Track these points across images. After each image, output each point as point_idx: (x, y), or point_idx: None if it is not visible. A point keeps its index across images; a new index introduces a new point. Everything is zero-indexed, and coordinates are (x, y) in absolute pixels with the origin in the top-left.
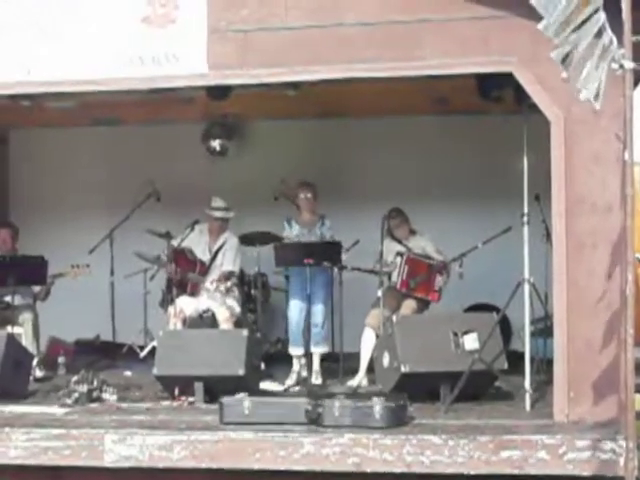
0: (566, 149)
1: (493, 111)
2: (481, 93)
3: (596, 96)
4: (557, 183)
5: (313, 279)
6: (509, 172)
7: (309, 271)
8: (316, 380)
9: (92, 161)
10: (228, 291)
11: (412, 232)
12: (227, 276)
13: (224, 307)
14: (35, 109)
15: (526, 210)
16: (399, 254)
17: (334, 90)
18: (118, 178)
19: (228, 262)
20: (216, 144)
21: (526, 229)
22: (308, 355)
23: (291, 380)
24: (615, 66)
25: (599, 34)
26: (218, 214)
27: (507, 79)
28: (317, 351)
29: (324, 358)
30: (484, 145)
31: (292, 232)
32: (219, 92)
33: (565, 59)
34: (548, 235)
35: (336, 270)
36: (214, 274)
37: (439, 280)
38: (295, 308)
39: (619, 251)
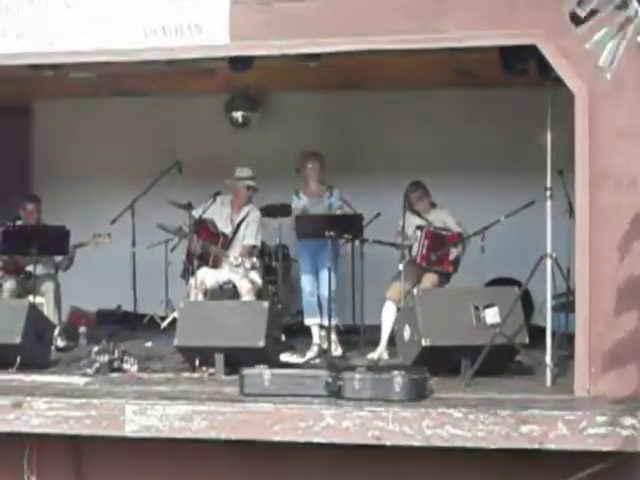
0: (590, 123)
1: (517, 84)
2: (505, 66)
3: (610, 65)
4: (581, 157)
5: (318, 251)
6: (532, 146)
7: (314, 244)
8: (336, 351)
9: (114, 132)
10: (253, 267)
11: (433, 205)
12: (250, 251)
13: (246, 279)
14: (58, 80)
15: (549, 184)
16: (419, 228)
17: (356, 62)
18: (140, 149)
19: (250, 236)
20: (238, 115)
21: (549, 203)
22: (325, 327)
23: (312, 352)
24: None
25: (624, 4)
26: (247, 183)
27: (531, 52)
28: (330, 323)
29: (345, 330)
30: (507, 119)
31: (300, 203)
32: (241, 63)
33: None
34: (571, 210)
35: (357, 243)
36: (236, 248)
37: (453, 251)
38: (307, 279)
39: None
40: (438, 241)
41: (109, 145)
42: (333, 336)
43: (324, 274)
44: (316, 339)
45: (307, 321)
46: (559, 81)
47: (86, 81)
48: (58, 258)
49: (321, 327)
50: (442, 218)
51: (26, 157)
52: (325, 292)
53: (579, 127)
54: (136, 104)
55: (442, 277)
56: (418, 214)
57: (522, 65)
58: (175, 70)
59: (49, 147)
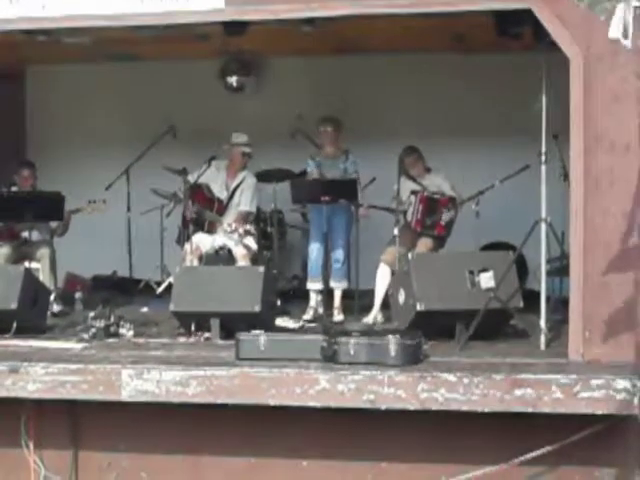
0: (585, 87)
1: (511, 49)
2: (499, 30)
3: (624, 35)
4: (576, 121)
5: (333, 215)
6: (527, 111)
7: (328, 208)
8: (338, 317)
9: (108, 97)
10: (246, 233)
11: (427, 170)
12: (245, 217)
13: (240, 245)
14: (51, 45)
15: (544, 149)
16: (413, 192)
17: (351, 26)
18: (134, 114)
19: (245, 202)
20: (233, 80)
21: (544, 168)
22: (325, 292)
23: (308, 315)
24: (636, 3)
25: None
26: (243, 149)
27: (526, 16)
28: (338, 286)
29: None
30: (502, 83)
31: (314, 167)
32: (236, 28)
33: None
34: (565, 174)
35: (352, 208)
36: (231, 213)
37: (445, 215)
38: (315, 244)
39: (637, 190)
40: (432, 206)
41: (103, 111)
42: (338, 302)
43: (339, 238)
44: (313, 302)
45: (309, 285)
46: (554, 45)
47: (80, 46)
48: (53, 224)
49: (320, 292)
50: (437, 183)
51: (20, 123)
52: (340, 256)
53: (574, 91)
54: (130, 69)
55: (437, 242)
56: (413, 179)
57: (517, 29)
58: (170, 35)
59: (43, 113)
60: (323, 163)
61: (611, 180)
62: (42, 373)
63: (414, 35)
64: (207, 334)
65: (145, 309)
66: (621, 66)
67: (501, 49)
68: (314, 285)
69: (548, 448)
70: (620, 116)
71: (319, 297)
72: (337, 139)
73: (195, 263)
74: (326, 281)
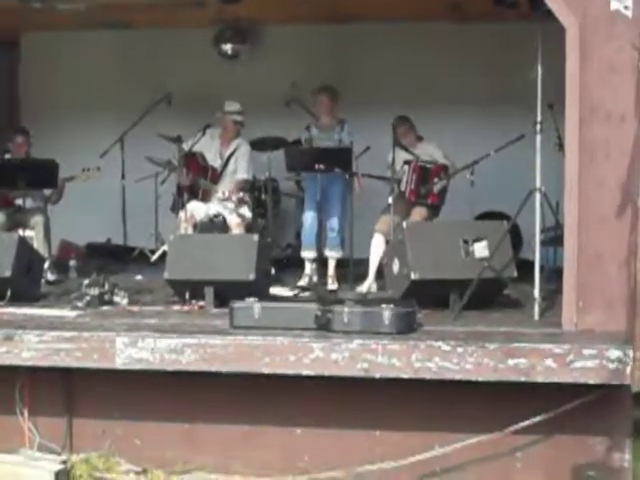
0: (581, 57)
1: (507, 18)
2: None
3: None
4: (571, 91)
5: (329, 184)
6: (523, 80)
7: (323, 177)
8: (332, 285)
9: (103, 65)
10: (241, 202)
11: (419, 139)
12: (242, 185)
13: (235, 213)
14: (46, 12)
15: (539, 118)
16: (406, 162)
17: None
18: (129, 82)
19: (242, 170)
20: (228, 48)
21: (539, 138)
22: (320, 260)
23: (303, 282)
24: None
25: None
26: (234, 117)
27: None
28: (332, 255)
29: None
30: (498, 53)
31: (306, 135)
32: None
33: None
34: (560, 144)
35: (346, 176)
36: (226, 181)
37: (438, 184)
38: (309, 212)
39: (632, 161)
40: (425, 175)
41: (98, 78)
42: (332, 270)
43: (334, 207)
44: (307, 270)
45: (303, 254)
46: (550, 15)
47: (74, 13)
48: (47, 192)
49: (314, 260)
50: (429, 151)
51: (14, 91)
52: (335, 225)
53: (570, 61)
54: (125, 36)
55: (431, 211)
56: (405, 148)
57: None
58: (165, 2)
59: (37, 80)
60: (319, 136)
61: (606, 151)
62: (36, 341)
63: (410, 3)
64: (201, 302)
65: (139, 277)
66: (618, 36)
67: (497, 18)
68: (308, 254)
69: (541, 417)
70: (616, 86)
71: (313, 265)
72: (333, 109)
73: (189, 231)
74: (320, 250)
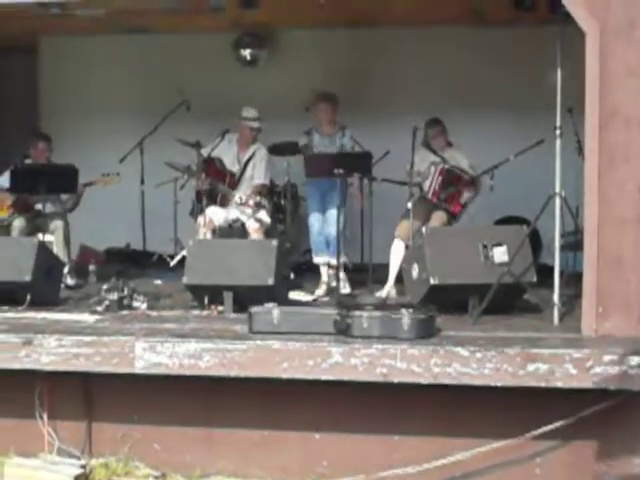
0: (601, 61)
1: (527, 22)
2: (515, 2)
3: None
4: (591, 96)
5: (329, 190)
6: (542, 85)
7: (325, 183)
8: (344, 289)
9: (122, 70)
10: (258, 206)
11: (449, 144)
12: (260, 190)
13: (253, 219)
14: (65, 17)
15: (559, 123)
16: (433, 164)
17: None
18: (148, 87)
19: (259, 175)
20: (247, 53)
21: (559, 142)
22: (333, 265)
23: (321, 290)
24: None
25: None
26: (251, 124)
27: None
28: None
29: (354, 269)
30: (518, 57)
31: (313, 142)
32: (250, 0)
33: None
34: (580, 149)
35: (366, 181)
36: (244, 186)
37: (465, 195)
38: (315, 218)
39: None
40: (451, 179)
41: (117, 83)
42: (342, 274)
43: (332, 212)
44: (324, 277)
45: (316, 259)
46: (569, 18)
47: (94, 19)
48: (65, 197)
49: (329, 266)
50: (457, 158)
51: (33, 96)
52: (333, 230)
53: (590, 65)
54: (144, 42)
55: (451, 216)
56: (433, 151)
57: (532, 1)
58: (184, 7)
59: (56, 85)
60: (321, 142)
61: (626, 155)
62: (55, 345)
63: (431, 8)
64: (220, 307)
65: (158, 282)
66: (638, 39)
67: (515, 22)
68: (320, 259)
69: (561, 423)
70: (636, 91)
71: (330, 270)
72: (334, 115)
73: (208, 236)
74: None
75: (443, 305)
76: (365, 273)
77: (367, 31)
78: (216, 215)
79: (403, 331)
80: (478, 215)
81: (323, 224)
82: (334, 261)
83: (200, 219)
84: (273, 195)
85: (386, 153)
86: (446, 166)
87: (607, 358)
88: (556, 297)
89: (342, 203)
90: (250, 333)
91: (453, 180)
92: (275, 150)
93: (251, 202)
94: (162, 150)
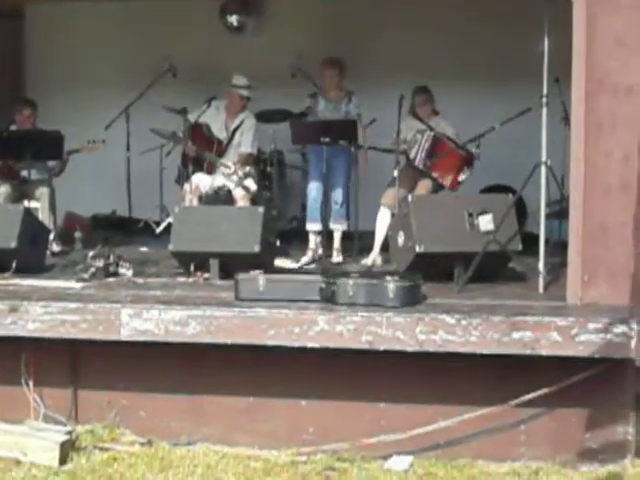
0: (588, 30)
1: None
2: None
3: None
4: (578, 64)
5: (333, 157)
6: (529, 53)
7: (328, 149)
8: (337, 258)
9: (108, 36)
10: (246, 174)
11: (435, 112)
12: (246, 159)
13: (240, 186)
14: None
15: (545, 91)
16: (420, 132)
17: None
18: (134, 54)
19: (246, 144)
20: (233, 19)
21: (545, 111)
22: (325, 233)
23: (307, 257)
24: None
25: None
26: (241, 92)
27: None
28: (337, 228)
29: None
30: (504, 26)
31: (317, 107)
32: None
33: None
34: (567, 118)
35: (352, 149)
36: (231, 154)
37: (466, 172)
38: (314, 185)
39: (638, 134)
40: (439, 147)
41: (103, 50)
42: (337, 243)
43: (339, 179)
44: (312, 244)
45: (308, 227)
46: None
47: None
48: (51, 163)
49: (319, 233)
50: (443, 126)
51: (19, 62)
52: (340, 197)
53: (577, 34)
54: (131, 8)
55: (437, 184)
56: (420, 119)
57: None
58: None
59: (42, 52)
60: (326, 107)
61: (613, 124)
62: (41, 312)
63: None
64: (206, 274)
65: (144, 249)
66: (625, 8)
67: None
68: (313, 226)
69: (545, 390)
70: (624, 59)
71: (318, 239)
72: (340, 81)
73: (195, 203)
74: (325, 222)
75: (429, 273)
76: (351, 240)
77: None
78: (202, 182)
79: (389, 299)
80: (464, 183)
81: (320, 192)
82: (331, 227)
83: (186, 186)
84: (259, 162)
85: (372, 121)
86: (432, 133)
87: (592, 326)
88: (541, 265)
89: (348, 169)
90: (236, 300)
91: (441, 148)
92: (263, 117)
93: (240, 172)
94: (148, 117)
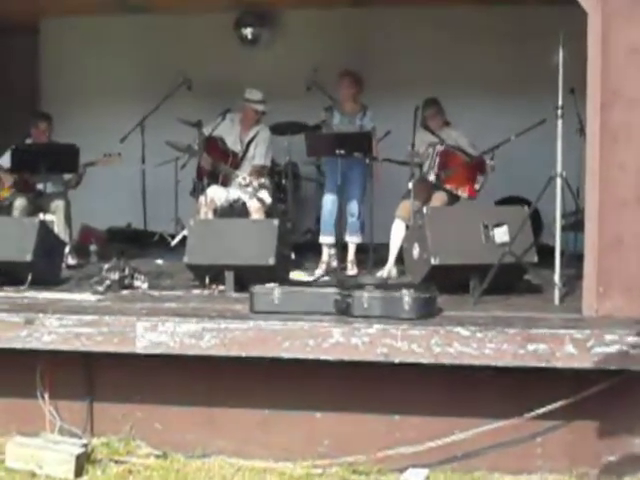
0: (603, 41)
1: (530, 2)
2: None
3: None
4: (593, 76)
5: (349, 169)
6: (544, 65)
7: (343, 162)
8: (351, 270)
9: (123, 50)
10: (261, 186)
11: (446, 124)
12: (259, 171)
13: (255, 198)
14: None
15: (561, 103)
16: (431, 145)
17: None
18: (149, 67)
19: (260, 156)
20: (248, 32)
21: (560, 122)
22: (340, 245)
23: (321, 270)
24: None
25: None
26: (255, 106)
27: None
28: (352, 241)
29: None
30: (520, 37)
31: (332, 120)
32: None
33: None
34: (582, 129)
35: (367, 161)
36: (246, 167)
37: (480, 178)
38: (329, 197)
39: None
40: (450, 159)
41: (118, 63)
42: (352, 256)
43: (354, 192)
44: (325, 257)
45: (321, 239)
46: None
47: None
48: (67, 176)
49: (333, 246)
50: (455, 137)
51: (34, 76)
52: (355, 209)
53: (591, 45)
54: (145, 21)
55: (452, 196)
56: (431, 131)
57: None
58: None
59: (57, 65)
60: (341, 121)
61: (628, 135)
62: (57, 325)
63: None
64: (221, 287)
65: (159, 261)
66: None
67: (518, 2)
68: (326, 239)
69: (561, 403)
70: (638, 70)
71: (332, 251)
72: (357, 94)
73: (210, 216)
74: (340, 235)
75: (444, 285)
76: (366, 253)
77: (368, 10)
78: (217, 194)
79: (404, 311)
80: (479, 195)
81: (335, 205)
82: (346, 239)
83: (201, 198)
84: (274, 175)
85: (387, 133)
86: (443, 146)
87: (608, 338)
88: (557, 277)
89: (363, 182)
90: (251, 313)
91: (452, 160)
92: (278, 130)
93: (255, 183)
94: (163, 130)
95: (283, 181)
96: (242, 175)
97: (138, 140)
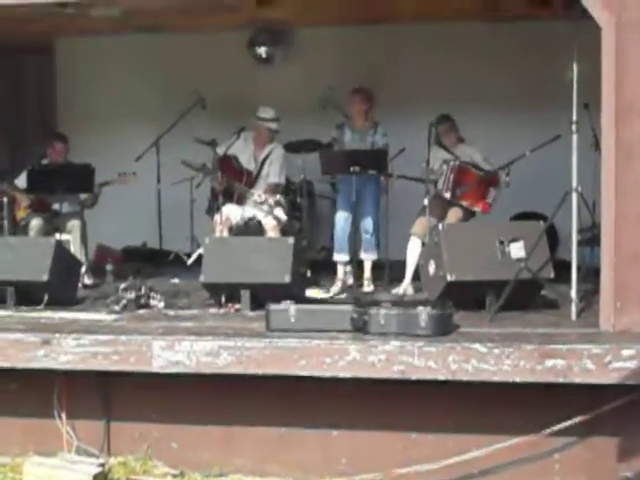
0: (617, 55)
1: (542, 17)
2: None
3: None
4: (607, 90)
5: (363, 186)
6: (559, 80)
7: (357, 179)
8: (367, 287)
9: (138, 70)
10: (276, 204)
11: (460, 140)
12: (274, 189)
13: (270, 216)
14: (80, 17)
15: (575, 118)
16: (445, 162)
17: None
18: (164, 86)
19: (274, 174)
20: (262, 51)
21: (575, 137)
22: (355, 262)
23: (336, 287)
24: None
25: None
26: (268, 125)
27: None
28: (367, 258)
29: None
30: (533, 52)
31: (344, 137)
32: None
33: None
34: (597, 144)
35: (382, 178)
36: (260, 185)
37: (492, 192)
38: (342, 215)
39: None
40: (464, 176)
41: (132, 82)
42: (368, 273)
43: (368, 209)
44: (340, 274)
45: (336, 257)
46: (584, 12)
47: (109, 18)
48: (83, 196)
49: (347, 264)
50: (469, 153)
51: (50, 96)
52: (370, 227)
53: (606, 60)
54: (159, 41)
55: (467, 212)
56: (445, 148)
57: None
58: (199, 6)
59: (73, 85)
60: (352, 138)
61: None
62: (74, 344)
63: (445, 3)
64: (237, 305)
65: (175, 280)
66: None
67: (531, 17)
68: (340, 257)
69: (579, 419)
70: None
71: (347, 268)
72: (368, 111)
73: (225, 234)
74: (355, 252)
75: (460, 301)
76: (381, 270)
77: (382, 28)
78: (232, 213)
79: (420, 328)
80: (494, 211)
81: (348, 222)
82: (361, 257)
83: (216, 217)
84: (289, 193)
85: (401, 150)
86: (457, 163)
87: (625, 353)
88: (574, 292)
89: (377, 199)
90: (267, 331)
91: (467, 177)
92: (292, 147)
93: (270, 201)
94: (178, 149)
95: (298, 199)
96: (257, 193)
97: (153, 159)
